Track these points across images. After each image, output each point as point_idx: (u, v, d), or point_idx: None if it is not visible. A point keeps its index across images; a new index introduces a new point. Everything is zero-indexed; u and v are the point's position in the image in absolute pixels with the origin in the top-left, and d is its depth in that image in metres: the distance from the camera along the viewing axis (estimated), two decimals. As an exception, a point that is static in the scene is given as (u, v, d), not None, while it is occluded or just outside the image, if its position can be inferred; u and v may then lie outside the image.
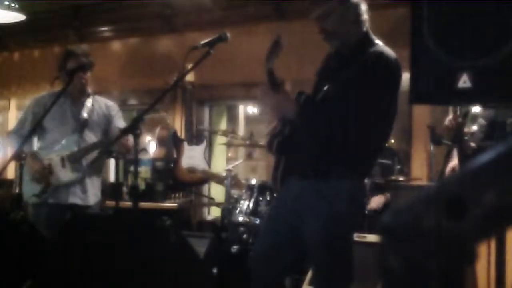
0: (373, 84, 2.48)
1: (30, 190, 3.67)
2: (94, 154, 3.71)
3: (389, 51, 2.54)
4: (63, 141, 3.72)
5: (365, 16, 2.61)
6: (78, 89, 3.79)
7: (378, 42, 2.59)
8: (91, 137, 3.78)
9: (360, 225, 4.28)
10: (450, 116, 3.55)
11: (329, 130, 2.51)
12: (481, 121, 3.31)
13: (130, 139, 3.60)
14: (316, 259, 2.67)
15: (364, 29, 2.61)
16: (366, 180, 2.82)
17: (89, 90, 3.85)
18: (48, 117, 3.69)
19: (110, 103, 3.98)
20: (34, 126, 3.55)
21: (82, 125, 3.77)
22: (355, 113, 2.46)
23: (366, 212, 4.34)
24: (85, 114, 3.78)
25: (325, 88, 2.61)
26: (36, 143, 3.86)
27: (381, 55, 2.50)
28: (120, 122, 3.90)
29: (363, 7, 2.60)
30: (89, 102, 3.82)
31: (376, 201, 4.50)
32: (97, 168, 3.86)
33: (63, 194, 3.69)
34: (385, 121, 2.58)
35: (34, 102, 3.89)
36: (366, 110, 2.48)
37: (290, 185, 2.68)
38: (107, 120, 3.87)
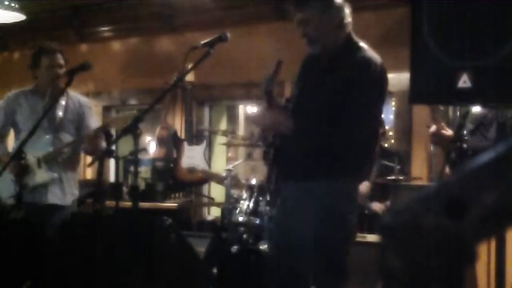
0: (364, 90, 2.50)
1: (7, 191, 3.52)
2: (68, 153, 3.65)
3: (375, 56, 2.54)
4: (38, 142, 3.59)
5: (348, 19, 2.56)
6: (51, 87, 3.69)
7: (363, 45, 2.58)
8: (66, 136, 3.71)
9: (359, 224, 4.30)
10: (433, 127, 3.50)
11: (322, 136, 2.55)
12: (469, 125, 3.32)
13: (101, 140, 3.59)
14: (315, 259, 2.69)
15: (347, 32, 2.58)
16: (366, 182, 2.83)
17: (62, 86, 3.66)
18: (21, 117, 3.66)
19: (84, 99, 3.90)
20: (2, 126, 3.54)
21: (57, 125, 3.69)
22: (348, 118, 2.49)
23: (366, 212, 4.34)
24: (60, 113, 3.70)
25: (312, 93, 2.63)
26: (13, 143, 3.79)
27: (369, 61, 2.51)
28: (91, 121, 3.83)
29: (347, 10, 2.56)
30: (63, 100, 3.71)
31: (376, 206, 4.50)
32: (72, 165, 3.79)
33: (42, 194, 3.62)
34: (375, 123, 2.62)
35: (5, 101, 3.78)
36: (359, 114, 2.51)
37: (285, 191, 2.72)
38: (80, 117, 3.79)
